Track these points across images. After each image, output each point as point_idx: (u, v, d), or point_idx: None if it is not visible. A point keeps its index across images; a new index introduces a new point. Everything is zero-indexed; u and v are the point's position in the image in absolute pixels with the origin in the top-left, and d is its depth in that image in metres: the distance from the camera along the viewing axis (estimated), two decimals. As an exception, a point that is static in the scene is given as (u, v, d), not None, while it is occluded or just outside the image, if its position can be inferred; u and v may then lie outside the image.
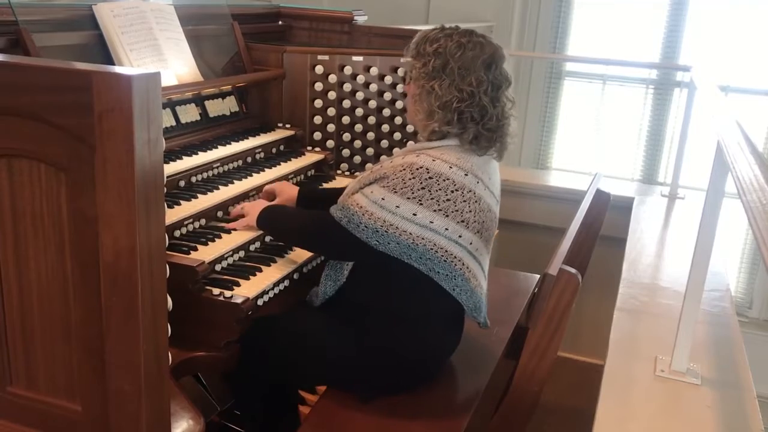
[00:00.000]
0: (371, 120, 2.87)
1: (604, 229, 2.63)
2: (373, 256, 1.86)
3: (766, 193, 1.36)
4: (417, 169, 1.83)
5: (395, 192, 1.83)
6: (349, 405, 1.92)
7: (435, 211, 1.83)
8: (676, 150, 3.85)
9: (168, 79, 2.34)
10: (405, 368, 1.96)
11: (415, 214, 1.82)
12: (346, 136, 2.87)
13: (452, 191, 1.84)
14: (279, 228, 2.11)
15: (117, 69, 1.27)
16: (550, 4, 5.89)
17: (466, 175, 1.86)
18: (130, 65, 2.20)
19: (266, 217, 2.08)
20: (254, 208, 2.11)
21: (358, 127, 2.86)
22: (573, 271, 1.89)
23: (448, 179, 1.83)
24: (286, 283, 2.04)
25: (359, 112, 2.83)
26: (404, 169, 1.84)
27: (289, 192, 2.30)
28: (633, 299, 2.51)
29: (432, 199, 1.82)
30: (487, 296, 2.08)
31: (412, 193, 1.82)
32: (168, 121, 2.33)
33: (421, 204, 1.82)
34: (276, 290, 1.99)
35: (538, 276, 2.45)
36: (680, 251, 2.99)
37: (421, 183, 1.82)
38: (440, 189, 1.83)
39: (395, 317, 1.94)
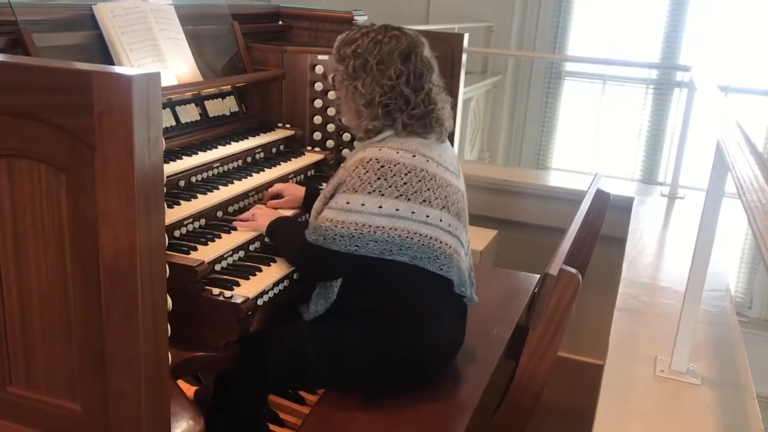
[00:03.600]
0: (371, 120, 2.87)
1: (604, 229, 2.64)
2: (357, 265, 1.88)
3: (766, 193, 1.36)
4: (368, 162, 1.87)
5: (356, 191, 1.85)
6: (348, 405, 1.92)
7: (396, 197, 1.86)
8: (675, 150, 3.85)
9: (168, 79, 2.34)
10: (410, 365, 1.96)
11: (380, 207, 1.85)
12: (346, 136, 2.87)
13: (405, 174, 1.87)
14: (277, 246, 2.11)
15: (117, 69, 1.27)
16: (550, 4, 5.90)
17: (413, 156, 1.90)
18: (130, 65, 2.20)
19: (271, 231, 2.09)
20: (265, 216, 2.12)
21: (358, 127, 2.86)
22: (573, 271, 1.89)
23: (398, 163, 1.87)
24: (286, 282, 2.04)
25: (359, 112, 2.83)
26: (357, 167, 1.88)
27: (294, 192, 2.32)
28: (633, 299, 2.51)
29: (390, 186, 1.85)
30: (471, 272, 2.10)
31: (371, 186, 1.85)
32: (168, 121, 2.33)
33: (382, 195, 1.85)
34: (276, 290, 1.99)
35: (538, 276, 2.45)
36: (680, 251, 2.99)
37: (376, 174, 1.85)
38: (395, 174, 1.86)
39: (395, 315, 1.94)
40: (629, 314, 2.41)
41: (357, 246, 1.85)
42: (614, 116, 5.99)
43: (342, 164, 2.02)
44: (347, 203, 1.86)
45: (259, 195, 2.36)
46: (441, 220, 1.92)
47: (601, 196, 2.58)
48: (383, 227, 1.85)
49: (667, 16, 5.61)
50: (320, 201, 1.97)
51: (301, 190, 2.33)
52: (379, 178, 1.85)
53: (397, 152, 1.88)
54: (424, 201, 1.89)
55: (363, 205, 1.85)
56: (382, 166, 1.86)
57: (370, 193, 1.85)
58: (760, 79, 5.48)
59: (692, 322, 1.96)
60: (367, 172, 1.86)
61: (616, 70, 5.93)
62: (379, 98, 1.92)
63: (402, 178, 1.86)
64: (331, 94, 2.78)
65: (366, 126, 1.97)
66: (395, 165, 1.87)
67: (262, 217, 2.12)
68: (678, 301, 2.14)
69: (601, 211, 2.58)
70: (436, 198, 1.91)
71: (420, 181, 1.88)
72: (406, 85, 1.92)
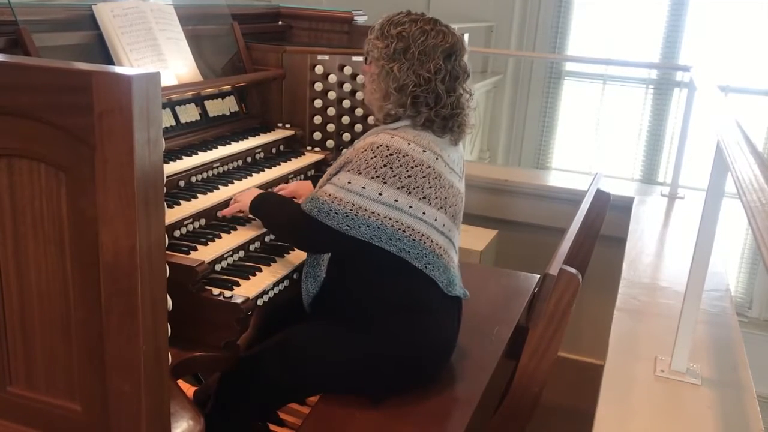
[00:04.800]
0: (371, 120, 2.86)
1: (604, 229, 2.63)
2: (347, 244, 1.88)
3: (766, 193, 1.35)
4: (377, 147, 1.87)
5: (359, 173, 1.86)
6: (348, 405, 1.92)
7: (398, 188, 1.86)
8: (675, 150, 3.85)
9: (168, 79, 2.34)
10: (406, 363, 1.96)
11: (380, 194, 1.85)
12: (346, 136, 2.87)
13: (412, 167, 1.87)
14: (264, 219, 2.12)
15: (117, 69, 1.27)
16: (550, 4, 5.90)
17: (424, 151, 1.89)
18: (130, 65, 2.20)
19: (256, 205, 2.10)
20: (247, 195, 2.13)
21: (358, 127, 2.86)
22: (573, 271, 1.89)
23: (407, 155, 1.87)
24: (286, 283, 2.04)
25: (359, 112, 2.83)
26: (366, 150, 1.88)
27: (307, 190, 2.32)
28: (633, 299, 2.51)
29: (395, 176, 1.86)
30: (459, 269, 2.10)
31: (375, 171, 1.85)
32: (168, 121, 2.33)
33: (384, 182, 1.85)
34: (276, 290, 1.99)
35: (538, 276, 2.45)
36: (680, 251, 2.99)
37: (383, 160, 1.86)
38: (401, 165, 1.86)
39: (387, 311, 1.94)
40: (629, 314, 2.40)
41: (348, 226, 1.86)
42: (614, 116, 5.99)
43: (352, 145, 2.03)
44: (348, 182, 1.86)
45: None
46: (436, 220, 1.92)
47: (601, 196, 2.58)
48: (378, 214, 1.85)
49: (667, 16, 5.61)
50: (325, 177, 1.98)
51: (310, 185, 2.34)
52: (385, 165, 1.85)
53: (409, 144, 1.88)
54: (424, 198, 1.89)
55: (363, 188, 1.85)
56: (391, 154, 1.86)
57: (373, 178, 1.85)
58: (760, 79, 5.48)
59: (692, 322, 1.96)
60: (375, 156, 1.86)
61: (616, 70, 5.93)
62: (412, 87, 1.90)
63: (407, 171, 1.86)
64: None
65: (389, 110, 1.96)
66: (404, 156, 1.87)
67: (242, 197, 2.14)
68: (678, 301, 2.14)
69: (601, 211, 2.58)
70: (436, 197, 1.91)
71: (424, 177, 1.88)
72: (441, 83, 1.92)
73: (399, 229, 1.87)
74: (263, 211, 2.10)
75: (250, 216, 2.15)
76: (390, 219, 1.86)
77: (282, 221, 2.07)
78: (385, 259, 1.90)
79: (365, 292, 1.96)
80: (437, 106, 1.92)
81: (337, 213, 1.86)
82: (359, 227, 1.86)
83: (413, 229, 1.89)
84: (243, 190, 2.24)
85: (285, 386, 1.98)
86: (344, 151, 2.02)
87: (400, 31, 1.92)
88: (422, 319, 1.97)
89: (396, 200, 1.86)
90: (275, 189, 2.36)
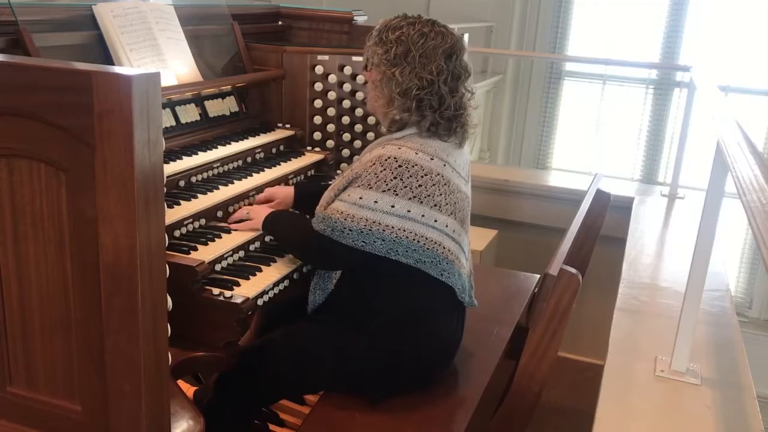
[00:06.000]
0: (371, 120, 2.87)
1: (604, 229, 2.63)
2: (362, 260, 1.88)
3: (766, 193, 1.36)
4: (386, 159, 1.86)
5: (370, 188, 1.85)
6: (348, 405, 1.92)
7: (410, 199, 1.85)
8: (676, 150, 3.85)
9: (168, 79, 2.34)
10: (412, 366, 1.97)
11: (393, 206, 1.84)
12: (346, 136, 2.87)
13: (422, 176, 1.86)
14: (278, 238, 2.13)
15: (117, 69, 1.27)
16: (550, 4, 5.90)
17: (431, 159, 1.89)
18: (130, 65, 2.20)
19: (269, 224, 2.09)
20: (260, 213, 2.12)
21: (358, 127, 2.86)
22: (573, 271, 1.89)
23: (416, 165, 1.86)
24: (286, 283, 2.04)
25: (359, 112, 2.83)
26: (374, 163, 1.87)
27: (283, 195, 2.31)
28: (633, 299, 2.51)
29: (405, 187, 1.85)
30: (471, 276, 2.10)
31: (386, 184, 1.84)
32: (168, 121, 2.33)
33: (396, 195, 1.84)
34: (276, 290, 1.99)
35: (538, 276, 2.45)
36: (680, 251, 2.99)
37: (393, 173, 1.85)
38: (411, 176, 1.85)
39: (396, 316, 1.94)
40: (629, 314, 2.40)
41: (364, 242, 1.85)
42: (614, 116, 6.00)
43: (357, 158, 2.02)
44: (360, 198, 1.85)
45: (255, 202, 2.35)
46: (447, 226, 1.92)
47: (601, 196, 2.58)
48: (392, 227, 1.85)
49: (667, 16, 5.61)
50: (331, 191, 1.96)
51: (290, 192, 2.32)
52: (395, 178, 1.85)
53: (416, 153, 1.87)
54: (435, 205, 1.88)
55: (376, 202, 1.84)
56: (400, 166, 1.85)
57: (384, 191, 1.84)
58: (760, 79, 5.48)
59: (692, 322, 1.96)
60: (384, 170, 1.85)
61: (616, 70, 5.94)
62: (415, 91, 1.89)
63: (417, 180, 1.86)
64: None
65: (394, 116, 1.95)
66: (413, 166, 1.86)
67: (256, 214, 2.12)
68: (678, 301, 2.14)
69: (601, 211, 2.58)
70: (446, 204, 1.91)
71: (434, 185, 1.88)
72: (444, 84, 1.91)
73: (414, 240, 1.86)
74: (276, 230, 2.10)
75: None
76: (404, 231, 1.85)
77: (295, 240, 2.05)
78: (400, 270, 1.89)
79: (377, 301, 1.95)
80: (441, 108, 1.91)
81: (351, 230, 1.85)
82: (374, 242, 1.85)
83: (426, 238, 1.88)
84: (241, 190, 2.24)
85: (285, 380, 1.99)
86: (351, 164, 2.00)
87: (399, 36, 1.91)
88: (427, 320, 1.97)
89: (408, 211, 1.85)
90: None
